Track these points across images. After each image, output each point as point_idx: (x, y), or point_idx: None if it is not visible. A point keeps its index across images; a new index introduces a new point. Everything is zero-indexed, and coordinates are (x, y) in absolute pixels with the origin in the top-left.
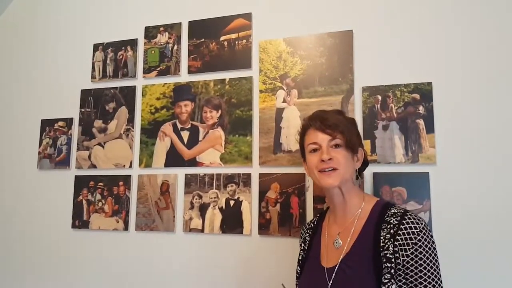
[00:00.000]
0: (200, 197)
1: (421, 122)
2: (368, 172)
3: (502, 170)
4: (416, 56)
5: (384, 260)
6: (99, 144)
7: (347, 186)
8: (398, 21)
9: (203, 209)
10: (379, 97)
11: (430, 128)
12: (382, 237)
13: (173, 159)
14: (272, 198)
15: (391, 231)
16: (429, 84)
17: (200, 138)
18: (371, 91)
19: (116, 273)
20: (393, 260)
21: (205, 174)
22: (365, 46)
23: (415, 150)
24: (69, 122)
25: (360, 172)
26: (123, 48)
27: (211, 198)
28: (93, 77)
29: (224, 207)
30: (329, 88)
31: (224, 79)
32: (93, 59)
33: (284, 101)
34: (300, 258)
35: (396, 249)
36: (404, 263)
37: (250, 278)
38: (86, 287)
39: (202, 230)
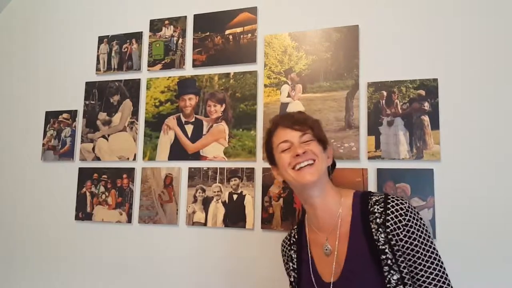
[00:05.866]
0: (204, 190)
1: (426, 118)
2: (372, 168)
3: (506, 167)
4: (422, 52)
5: (379, 253)
6: (103, 136)
7: (323, 181)
8: (404, 16)
9: (206, 202)
10: (384, 93)
11: (435, 125)
12: (373, 229)
13: (177, 152)
14: (275, 192)
15: (378, 220)
16: (435, 80)
17: (204, 132)
18: (377, 86)
19: (119, 265)
20: (387, 250)
21: (208, 168)
22: (371, 41)
23: (420, 146)
24: (73, 114)
25: (329, 173)
26: (128, 41)
27: (215, 192)
28: (97, 69)
29: (227, 201)
30: (334, 84)
31: (229, 73)
32: (98, 51)
33: (289, 95)
34: (293, 279)
35: (390, 236)
36: (400, 248)
37: (252, 272)
38: (89, 279)
39: (205, 224)
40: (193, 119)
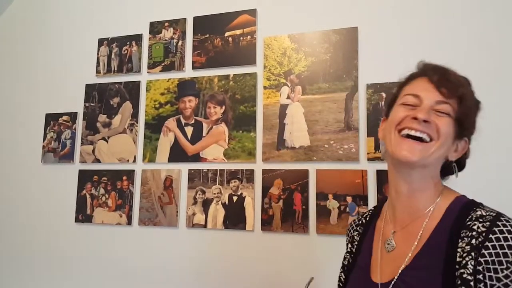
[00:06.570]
0: (203, 192)
1: None
2: (372, 170)
3: (506, 167)
4: (421, 54)
5: (459, 282)
6: (103, 138)
7: (425, 172)
8: (403, 18)
9: (206, 204)
10: (384, 94)
11: None
12: (460, 249)
13: (177, 154)
14: (275, 194)
15: (474, 241)
16: None
17: (204, 133)
18: (376, 88)
19: (119, 267)
20: (472, 283)
21: (208, 170)
22: (370, 43)
23: None
24: (73, 116)
25: (453, 169)
26: (128, 43)
27: (214, 193)
28: (97, 71)
29: (227, 203)
30: (334, 85)
31: (228, 75)
32: (98, 53)
33: (288, 97)
34: (346, 263)
35: (481, 268)
36: None
37: (252, 273)
38: (89, 281)
39: (205, 226)
40: (193, 121)
